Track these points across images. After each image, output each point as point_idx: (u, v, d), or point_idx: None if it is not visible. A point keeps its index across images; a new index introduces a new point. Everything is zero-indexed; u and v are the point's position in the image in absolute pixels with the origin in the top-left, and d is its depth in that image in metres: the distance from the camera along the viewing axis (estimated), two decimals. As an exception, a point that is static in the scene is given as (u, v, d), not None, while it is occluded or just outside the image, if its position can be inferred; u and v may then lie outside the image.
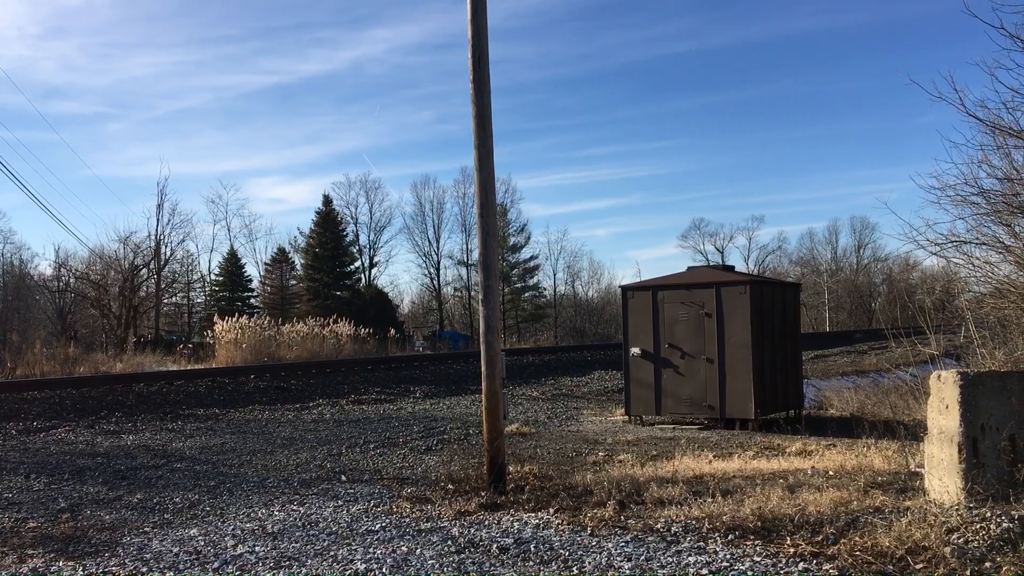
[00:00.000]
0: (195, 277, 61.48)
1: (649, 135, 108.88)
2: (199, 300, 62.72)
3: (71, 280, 51.47)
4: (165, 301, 55.68)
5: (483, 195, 8.65)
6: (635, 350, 14.27)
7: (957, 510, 6.20)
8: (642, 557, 5.88)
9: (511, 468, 8.96)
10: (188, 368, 25.97)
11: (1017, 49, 7.90)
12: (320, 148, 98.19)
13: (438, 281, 66.64)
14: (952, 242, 9.93)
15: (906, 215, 32.98)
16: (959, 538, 5.72)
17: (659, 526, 6.61)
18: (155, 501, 8.41)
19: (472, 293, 60.95)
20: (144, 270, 49.25)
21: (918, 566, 5.41)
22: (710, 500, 7.21)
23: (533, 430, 13.41)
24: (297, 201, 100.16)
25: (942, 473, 6.73)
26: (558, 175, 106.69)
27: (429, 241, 65.94)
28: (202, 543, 6.71)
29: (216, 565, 6.07)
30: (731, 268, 16.15)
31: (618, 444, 11.66)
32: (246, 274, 61.66)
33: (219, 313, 39.25)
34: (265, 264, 63.23)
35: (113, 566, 6.14)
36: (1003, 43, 10.55)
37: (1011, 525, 5.78)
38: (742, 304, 13.40)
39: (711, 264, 19.42)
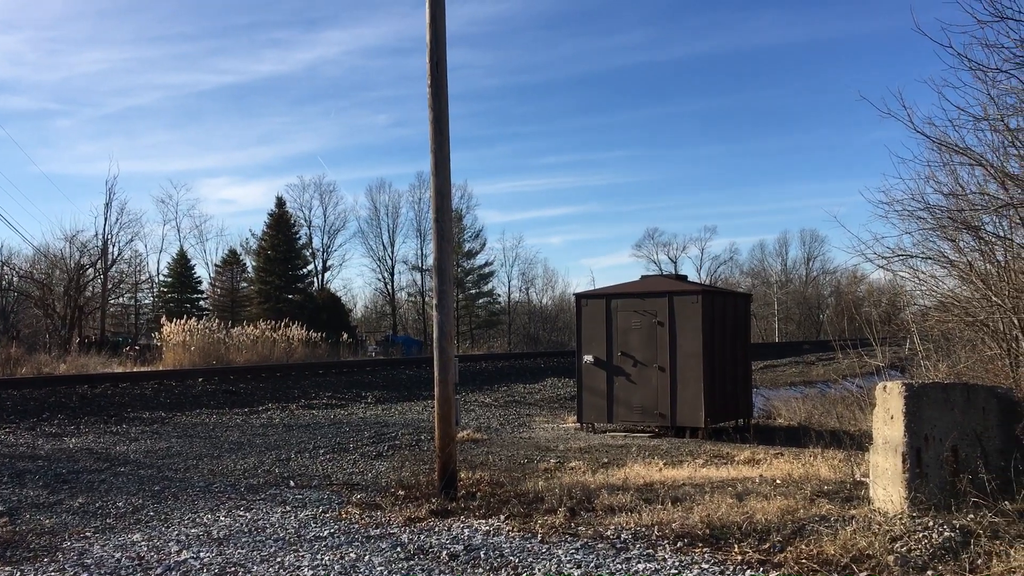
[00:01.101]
0: (143, 278, 60.44)
1: (606, 144, 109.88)
2: (147, 301, 61.69)
3: (14, 279, 50.23)
4: (112, 302, 54.63)
5: (439, 200, 8.62)
6: (588, 358, 14.33)
7: (901, 519, 6.31)
8: (591, 564, 5.89)
9: (463, 474, 8.93)
10: (134, 370, 25.49)
11: (964, 68, 8.10)
12: (273, 149, 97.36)
13: (392, 286, 66.39)
14: (899, 256, 10.14)
15: (855, 229, 33.57)
16: (902, 547, 5.82)
17: (609, 533, 6.63)
18: (97, 505, 8.22)
19: (426, 298, 60.77)
20: (90, 270, 48.27)
21: (862, 574, 5.49)
22: (660, 507, 7.25)
23: (485, 436, 13.39)
24: (249, 203, 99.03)
25: (886, 483, 6.85)
26: (515, 182, 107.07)
27: (384, 245, 65.69)
28: (145, 549, 6.58)
29: (159, 571, 5.95)
30: (684, 278, 16.30)
31: (570, 451, 11.68)
32: (196, 276, 60.84)
33: (167, 315, 38.57)
34: (216, 266, 62.40)
35: (52, 571, 5.99)
36: (951, 62, 10.85)
37: (952, 534, 5.90)
38: (694, 313, 13.53)
39: (664, 273, 19.59)
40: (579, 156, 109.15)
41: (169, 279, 60.23)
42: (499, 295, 69.67)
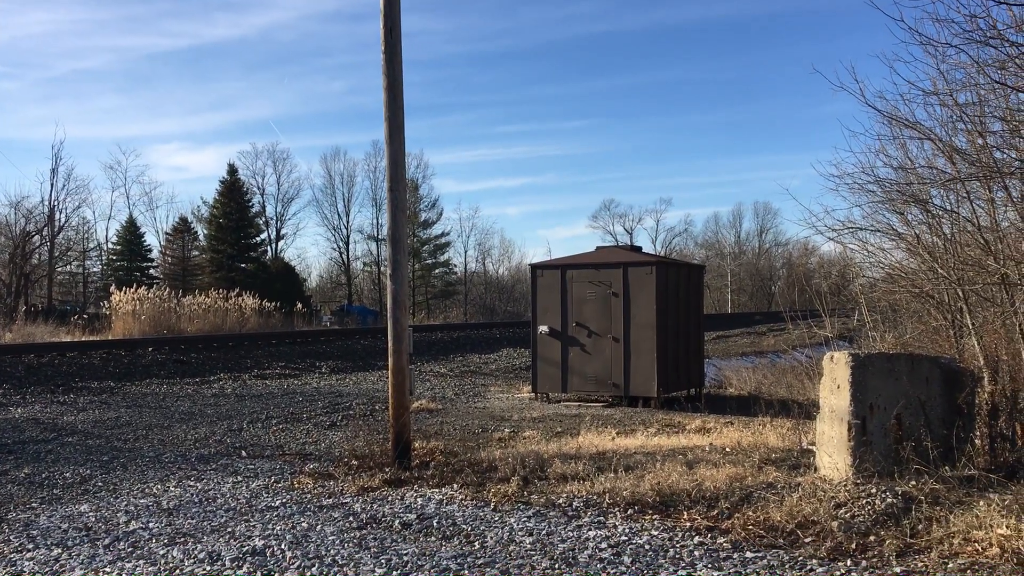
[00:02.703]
0: (91, 245, 59.17)
1: (564, 115, 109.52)
2: (95, 269, 60.39)
3: (-44, 246, 48.88)
4: (59, 270, 53.46)
5: (393, 169, 8.54)
6: (543, 328, 14.38)
7: (845, 486, 6.45)
8: (543, 532, 5.94)
9: (417, 444, 8.94)
10: (82, 340, 25.02)
11: (915, 43, 8.16)
12: (226, 115, 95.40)
13: (347, 256, 65.78)
14: (848, 228, 10.25)
15: (807, 202, 33.84)
16: (846, 513, 5.95)
17: (561, 501, 6.69)
18: (44, 476, 8.09)
19: (382, 268, 60.36)
20: (36, 237, 47.14)
21: (807, 539, 5.61)
22: (612, 476, 7.33)
23: (440, 406, 13.40)
24: (200, 169, 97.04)
25: (832, 450, 6.99)
26: (472, 152, 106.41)
27: (339, 215, 64.94)
28: (93, 519, 6.49)
29: (107, 542, 5.88)
30: (639, 249, 16.39)
31: (524, 421, 11.75)
32: (146, 244, 59.54)
33: (116, 283, 37.87)
34: (166, 234, 61.17)
35: (-4, 543, 5.89)
36: (903, 36, 10.93)
37: (895, 500, 6.04)
38: (648, 284, 13.62)
39: (620, 245, 19.68)
40: (537, 126, 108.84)
41: (118, 247, 58.96)
42: (455, 265, 69.52)
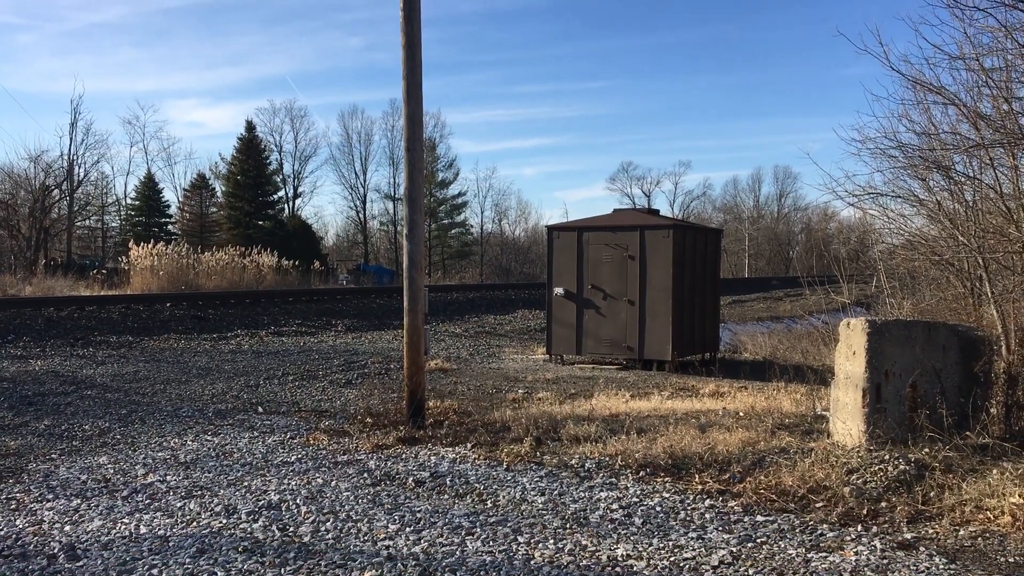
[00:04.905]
0: (110, 200, 59.48)
1: (583, 75, 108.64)
2: (114, 225, 60.77)
3: (-23, 199, 49.21)
4: (78, 224, 53.82)
5: (411, 128, 8.49)
6: (558, 290, 14.37)
7: (858, 452, 6.45)
8: (555, 492, 5.99)
9: (431, 403, 8.99)
10: (101, 294, 25.25)
11: (942, 5, 8.00)
12: (243, 71, 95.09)
13: (364, 215, 65.85)
14: (869, 194, 10.14)
15: (827, 166, 33.79)
16: (858, 478, 5.96)
17: (573, 462, 6.73)
18: (63, 428, 8.21)
19: (398, 228, 60.42)
20: (56, 191, 47.40)
21: (818, 504, 5.63)
22: (624, 438, 7.36)
23: (455, 366, 13.46)
24: (218, 126, 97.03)
25: (846, 416, 6.98)
26: (489, 111, 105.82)
27: (356, 173, 64.93)
28: (111, 471, 6.59)
29: (125, 493, 5.97)
30: (656, 212, 16.30)
31: (538, 382, 11.79)
32: (164, 199, 59.82)
33: (135, 239, 38.06)
34: (184, 190, 61.40)
35: (18, 492, 5.99)
36: (929, -1, 10.72)
37: (908, 467, 6.05)
38: (665, 248, 13.57)
39: (637, 207, 19.57)
40: (555, 86, 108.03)
41: (136, 202, 59.25)
42: (472, 226, 69.48)
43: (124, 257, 32.30)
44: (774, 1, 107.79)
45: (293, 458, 7.03)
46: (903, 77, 8.92)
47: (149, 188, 58.68)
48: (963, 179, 9.27)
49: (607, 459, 6.78)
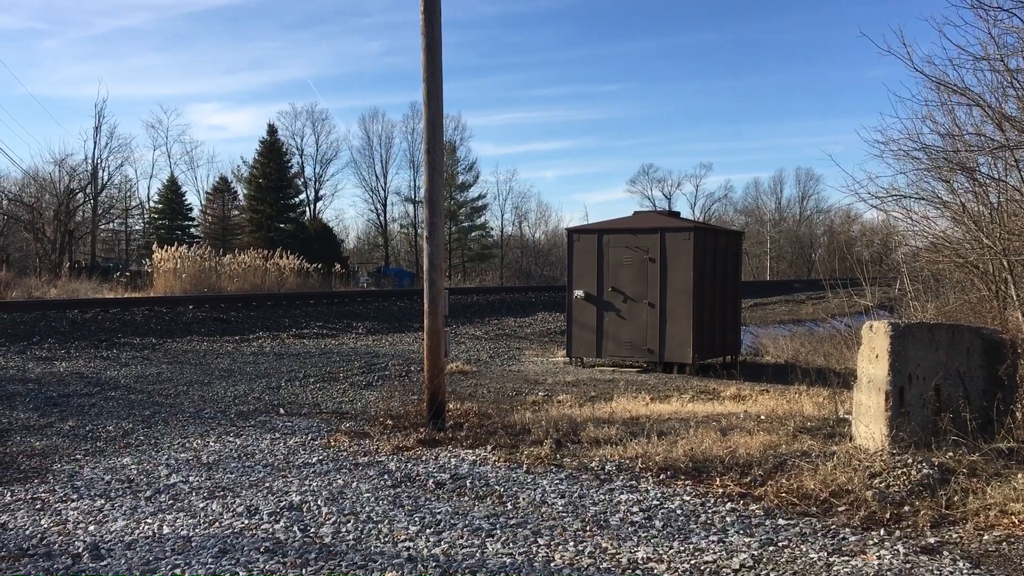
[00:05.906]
0: (133, 204, 60.09)
1: (603, 77, 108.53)
2: (137, 227, 61.36)
3: (3, 202, 49.76)
4: (102, 227, 54.33)
5: (431, 131, 8.52)
6: (579, 293, 14.36)
7: (881, 456, 6.40)
8: (575, 494, 5.98)
9: (451, 406, 9.01)
10: (125, 296, 25.49)
11: (966, 6, 7.96)
12: (264, 75, 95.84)
13: (385, 217, 66.07)
14: (892, 196, 10.09)
15: (850, 168, 33.60)
16: (881, 482, 5.91)
17: (594, 465, 6.72)
18: (87, 429, 8.29)
19: (419, 231, 60.51)
20: (80, 194, 47.94)
21: (840, 508, 5.59)
22: (645, 441, 7.34)
23: (475, 369, 13.48)
24: (240, 129, 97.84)
25: (869, 420, 6.93)
26: (509, 114, 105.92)
27: (376, 176, 65.18)
28: (135, 472, 6.65)
29: (148, 494, 6.02)
30: (677, 214, 16.26)
31: (558, 385, 11.78)
32: (186, 202, 60.35)
33: (158, 241, 38.42)
34: (206, 193, 61.91)
35: (43, 492, 6.06)
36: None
37: (931, 471, 5.99)
38: (685, 250, 13.52)
39: (657, 210, 19.53)
40: (575, 88, 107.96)
41: (160, 205, 59.78)
42: (492, 228, 69.53)
43: (147, 260, 32.62)
44: (796, 3, 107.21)
45: (314, 459, 7.07)
46: (927, 78, 8.87)
47: (172, 191, 59.21)
48: (988, 181, 9.19)
49: (627, 462, 6.76)
